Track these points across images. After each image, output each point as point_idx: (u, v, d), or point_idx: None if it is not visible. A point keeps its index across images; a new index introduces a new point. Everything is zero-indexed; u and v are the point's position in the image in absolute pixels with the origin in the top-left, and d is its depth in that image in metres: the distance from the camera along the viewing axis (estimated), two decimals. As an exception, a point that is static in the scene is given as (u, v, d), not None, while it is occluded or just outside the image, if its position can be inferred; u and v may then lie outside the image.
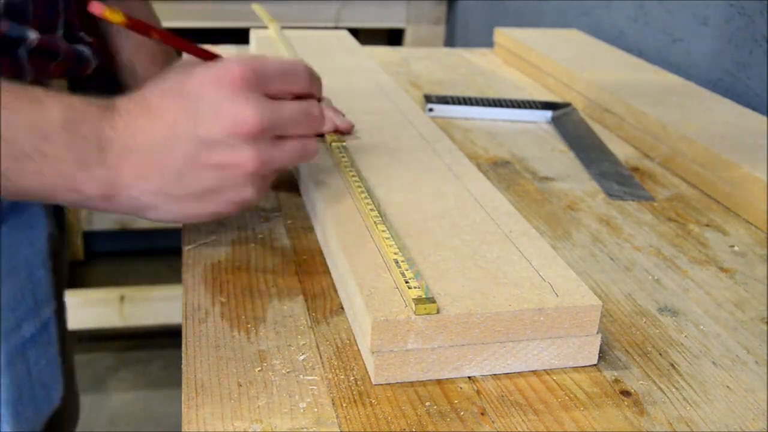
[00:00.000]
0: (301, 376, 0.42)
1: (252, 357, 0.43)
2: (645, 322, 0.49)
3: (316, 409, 0.39)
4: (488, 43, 1.24)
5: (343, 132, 0.64)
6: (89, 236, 2.27)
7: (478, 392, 0.42)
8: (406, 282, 0.43)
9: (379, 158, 0.61)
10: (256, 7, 1.07)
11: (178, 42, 0.51)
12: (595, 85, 0.89)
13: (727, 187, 0.68)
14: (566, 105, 0.90)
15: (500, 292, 0.43)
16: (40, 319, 0.67)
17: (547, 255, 0.48)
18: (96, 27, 0.71)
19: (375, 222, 0.50)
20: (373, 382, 0.41)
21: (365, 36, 1.91)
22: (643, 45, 1.09)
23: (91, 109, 0.45)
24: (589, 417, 0.40)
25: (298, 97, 0.50)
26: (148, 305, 1.86)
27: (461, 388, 0.42)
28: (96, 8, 0.45)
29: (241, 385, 0.41)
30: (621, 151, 0.79)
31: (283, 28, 1.03)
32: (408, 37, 1.81)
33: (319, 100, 0.53)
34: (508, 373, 0.43)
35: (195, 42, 0.52)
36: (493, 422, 0.39)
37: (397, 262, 0.45)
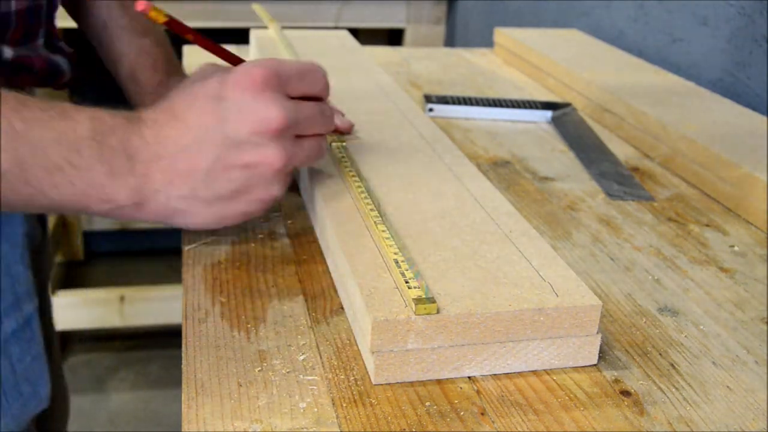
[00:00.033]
0: (301, 376, 0.42)
1: (252, 357, 0.43)
2: (645, 322, 0.49)
3: (316, 409, 0.39)
4: (488, 43, 1.24)
5: (343, 132, 0.64)
6: (89, 236, 2.27)
7: (478, 392, 0.42)
8: (406, 282, 0.43)
9: (379, 158, 0.61)
10: (256, 7, 1.07)
11: (208, 44, 0.53)
12: (595, 85, 0.89)
13: (727, 187, 0.68)
14: (566, 105, 0.90)
15: (500, 292, 0.43)
16: (22, 315, 0.67)
17: (547, 255, 0.48)
18: (98, 35, 0.72)
19: (375, 222, 0.50)
20: (373, 382, 0.42)
21: (365, 36, 1.90)
22: (643, 45, 1.09)
23: (117, 120, 0.46)
24: (589, 417, 0.40)
25: (309, 98, 0.51)
26: (148, 305, 1.86)
27: (461, 388, 0.42)
28: (141, 6, 0.47)
29: (241, 385, 0.41)
30: (621, 151, 0.79)
31: (283, 28, 1.03)
32: (408, 37, 1.81)
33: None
34: (508, 373, 0.43)
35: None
36: (493, 422, 0.39)
37: (397, 262, 0.45)
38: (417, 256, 0.47)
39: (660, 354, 0.46)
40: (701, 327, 0.49)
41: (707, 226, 0.64)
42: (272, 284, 0.50)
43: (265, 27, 1.04)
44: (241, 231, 0.57)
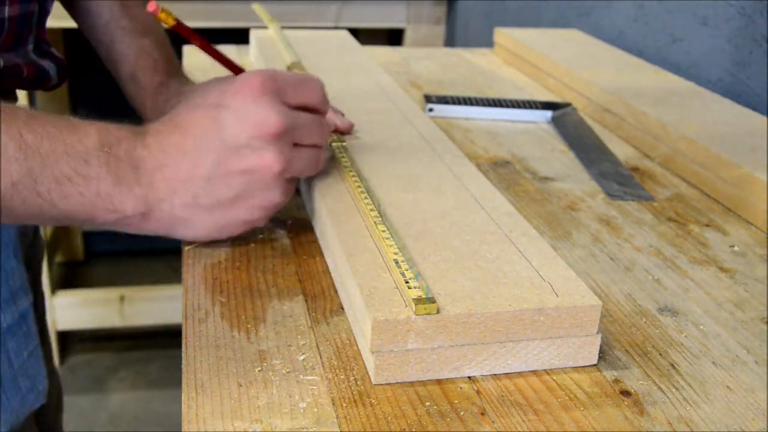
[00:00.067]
0: (301, 376, 0.42)
1: (252, 357, 0.43)
2: (645, 322, 0.49)
3: (316, 409, 0.39)
4: (488, 43, 1.24)
5: (343, 132, 0.64)
6: (89, 236, 2.27)
7: (478, 392, 0.42)
8: (406, 282, 0.43)
9: (379, 158, 0.61)
10: (256, 7, 1.07)
11: (212, 51, 0.55)
12: (595, 85, 0.89)
13: (727, 187, 0.68)
14: (566, 105, 0.90)
15: (500, 292, 0.43)
16: (18, 309, 0.68)
17: (547, 255, 0.48)
18: (98, 36, 0.72)
19: (375, 222, 0.50)
20: (373, 382, 0.42)
21: (365, 36, 1.91)
22: (643, 45, 1.09)
23: (123, 133, 0.48)
24: (589, 417, 0.40)
25: (308, 110, 0.52)
26: (148, 305, 1.86)
27: (461, 388, 0.42)
28: (152, 7, 0.50)
29: (241, 385, 0.41)
30: (621, 151, 0.79)
31: (283, 28, 1.03)
32: (408, 37, 1.81)
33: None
34: (508, 373, 0.43)
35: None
36: (493, 422, 0.39)
37: (397, 262, 0.45)
38: (417, 256, 0.47)
39: (660, 354, 0.46)
40: (701, 327, 0.49)
41: (707, 226, 0.64)
42: (272, 284, 0.50)
43: (265, 27, 1.04)
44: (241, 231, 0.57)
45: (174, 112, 0.50)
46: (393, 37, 2.00)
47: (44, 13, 0.65)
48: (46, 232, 1.94)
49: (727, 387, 0.43)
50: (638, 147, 0.80)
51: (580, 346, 0.44)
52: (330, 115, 0.63)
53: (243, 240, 0.55)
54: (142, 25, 0.72)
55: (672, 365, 0.45)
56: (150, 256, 2.25)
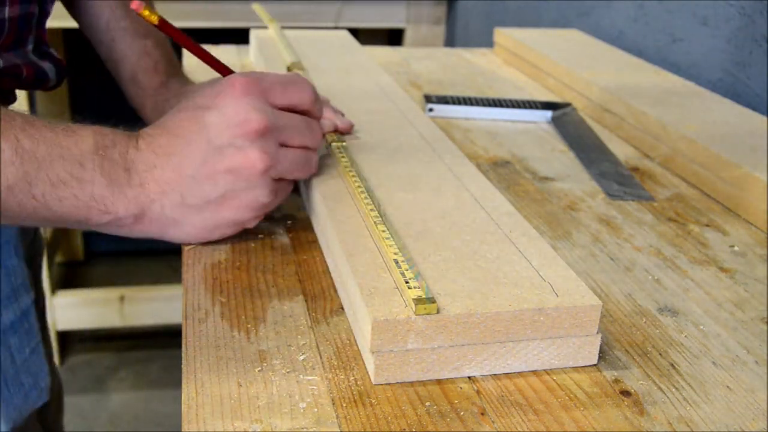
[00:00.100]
0: (301, 376, 0.42)
1: (252, 357, 0.43)
2: (645, 322, 0.49)
3: (316, 409, 0.39)
4: (488, 43, 1.24)
5: (343, 132, 0.64)
6: (89, 236, 2.27)
7: (478, 392, 0.42)
8: (406, 282, 0.43)
9: (379, 158, 0.61)
10: (256, 7, 1.07)
11: (198, 51, 0.55)
12: (595, 85, 0.89)
13: (727, 187, 0.68)
14: (566, 105, 0.90)
15: (500, 292, 0.43)
16: (20, 307, 0.69)
17: (547, 255, 0.48)
18: (99, 36, 0.72)
19: (375, 222, 0.50)
20: (373, 382, 0.42)
21: (365, 36, 1.91)
22: (643, 45, 1.09)
23: (118, 136, 0.49)
24: (589, 417, 0.40)
25: (297, 112, 0.53)
26: (148, 305, 1.86)
27: (461, 388, 0.42)
28: (135, 5, 0.50)
29: (241, 385, 0.41)
30: (621, 151, 0.79)
31: (283, 28, 1.03)
32: (408, 37, 1.81)
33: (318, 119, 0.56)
34: (508, 373, 0.43)
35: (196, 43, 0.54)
36: (493, 422, 0.39)
37: (397, 262, 0.45)
38: (417, 256, 0.47)
39: (660, 354, 0.46)
40: (701, 327, 0.49)
41: (707, 226, 0.64)
42: (272, 284, 0.50)
43: (265, 27, 1.04)
44: (241, 231, 0.57)
45: (166, 116, 0.51)
46: (393, 37, 2.00)
47: (44, 14, 0.66)
48: (46, 232, 1.94)
49: (727, 387, 0.43)
50: (638, 147, 0.80)
51: (580, 346, 0.44)
52: (330, 115, 0.63)
53: (243, 240, 0.55)
54: (143, 26, 0.72)
55: (672, 365, 0.45)
56: (150, 256, 2.25)
